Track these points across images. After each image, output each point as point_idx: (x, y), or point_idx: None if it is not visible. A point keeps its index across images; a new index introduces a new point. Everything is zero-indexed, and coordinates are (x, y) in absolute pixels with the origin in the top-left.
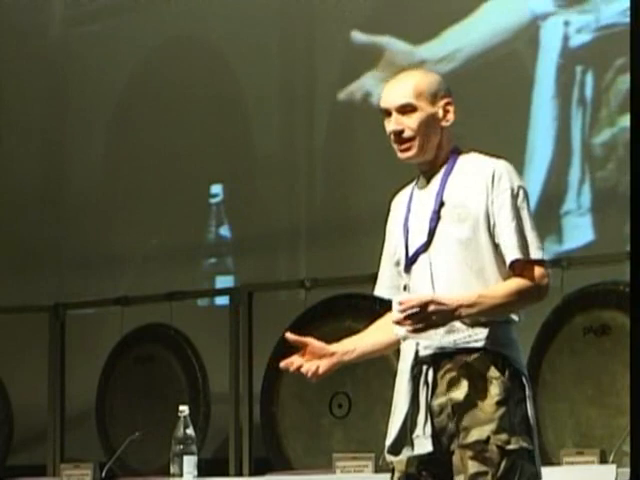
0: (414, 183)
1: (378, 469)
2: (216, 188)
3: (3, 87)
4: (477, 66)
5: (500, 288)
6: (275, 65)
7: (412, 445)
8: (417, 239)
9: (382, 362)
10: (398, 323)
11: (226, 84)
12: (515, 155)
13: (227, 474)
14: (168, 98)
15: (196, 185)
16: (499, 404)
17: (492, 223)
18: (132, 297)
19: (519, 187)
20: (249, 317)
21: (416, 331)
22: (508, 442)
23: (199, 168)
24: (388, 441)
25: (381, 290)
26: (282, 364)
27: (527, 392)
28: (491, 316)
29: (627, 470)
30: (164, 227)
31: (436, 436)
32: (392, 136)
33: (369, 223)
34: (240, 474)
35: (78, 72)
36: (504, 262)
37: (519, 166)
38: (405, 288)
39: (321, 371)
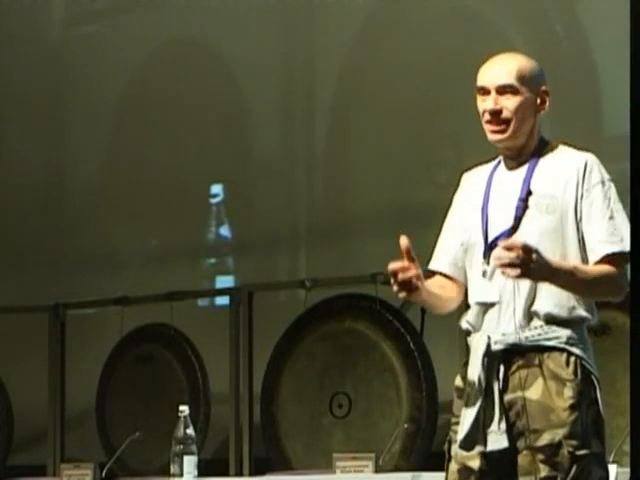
0: (493, 166)
1: (378, 469)
2: (216, 188)
3: (2, 88)
4: None
5: (593, 268)
6: (275, 66)
7: (485, 440)
8: (499, 225)
9: (382, 362)
10: (498, 261)
11: (226, 84)
12: None
13: (227, 474)
14: (168, 99)
15: (196, 185)
16: (572, 408)
17: (581, 216)
18: (132, 297)
19: (610, 180)
20: (249, 317)
21: (509, 272)
22: (579, 448)
23: (199, 168)
24: (460, 435)
25: (438, 264)
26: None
27: (598, 394)
28: (576, 291)
29: (627, 470)
30: (164, 227)
31: (506, 432)
32: (486, 115)
33: (369, 223)
34: (240, 474)
35: (78, 73)
36: (587, 257)
37: None
38: (484, 275)
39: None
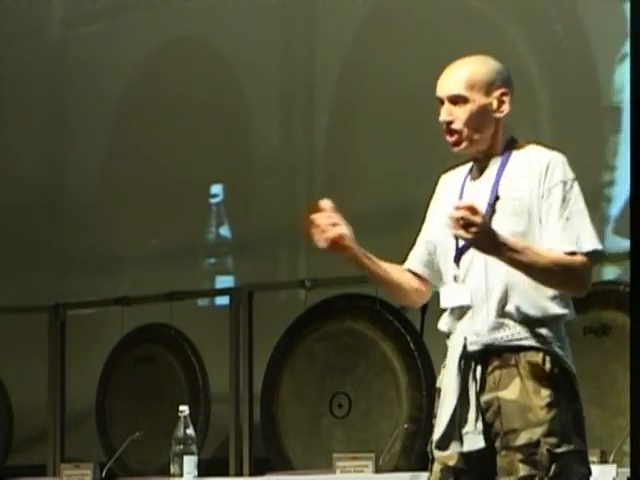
0: (467, 170)
1: (378, 469)
2: (216, 188)
3: (2, 88)
4: None
5: (549, 254)
6: (275, 65)
7: (461, 441)
8: None
9: (382, 362)
10: (451, 222)
11: (226, 84)
12: None
13: (227, 474)
14: (168, 98)
15: (196, 185)
16: (550, 406)
17: (540, 216)
18: (132, 297)
19: (573, 180)
20: (249, 317)
21: (456, 232)
22: (558, 445)
23: (199, 168)
24: (436, 435)
25: (409, 262)
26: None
27: (576, 391)
28: (526, 273)
29: (627, 470)
30: (164, 227)
31: (483, 432)
32: (443, 126)
33: (369, 223)
34: (240, 474)
35: (78, 73)
36: None
37: None
38: (455, 279)
39: (332, 236)
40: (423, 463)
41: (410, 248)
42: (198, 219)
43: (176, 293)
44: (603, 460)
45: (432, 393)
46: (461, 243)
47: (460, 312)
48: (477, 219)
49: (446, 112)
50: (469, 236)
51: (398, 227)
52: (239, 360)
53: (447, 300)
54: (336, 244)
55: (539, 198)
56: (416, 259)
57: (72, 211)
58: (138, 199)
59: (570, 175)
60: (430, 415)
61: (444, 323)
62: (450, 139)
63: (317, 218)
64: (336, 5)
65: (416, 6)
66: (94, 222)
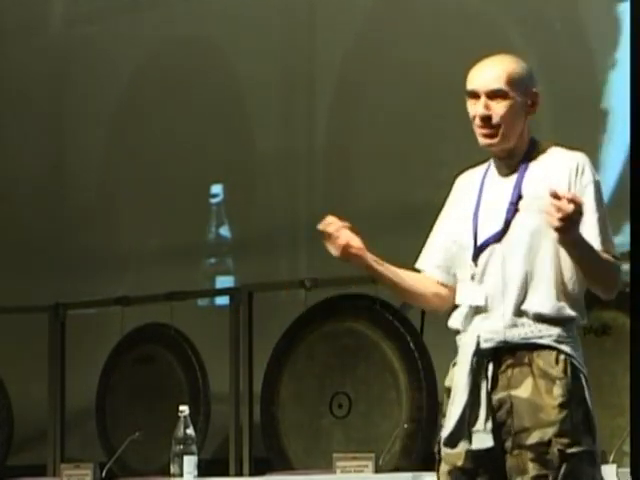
0: (485, 168)
1: (378, 469)
2: (216, 188)
3: (3, 87)
4: None
5: (600, 252)
6: (275, 65)
7: (470, 439)
8: (488, 229)
9: (382, 362)
10: (549, 214)
11: (226, 84)
12: None
13: (227, 474)
14: (168, 98)
15: (196, 185)
16: (562, 406)
17: None
18: (132, 297)
19: (599, 181)
20: (249, 317)
21: (561, 226)
22: (569, 445)
23: (199, 168)
24: (445, 432)
25: (423, 264)
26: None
27: (587, 392)
28: (589, 266)
29: (627, 470)
30: (164, 227)
31: (493, 431)
32: (477, 119)
33: (369, 223)
34: (240, 474)
35: (79, 72)
36: None
37: None
38: (472, 278)
39: (343, 242)
40: (423, 463)
41: (410, 248)
42: (198, 219)
43: (176, 293)
44: (603, 460)
45: (432, 393)
46: (479, 242)
47: (475, 310)
48: (574, 213)
49: (484, 106)
50: (559, 224)
51: (398, 227)
52: (239, 360)
53: (464, 299)
54: (347, 252)
55: None
56: (433, 264)
57: (72, 211)
58: (138, 199)
59: (597, 176)
60: (430, 415)
61: (456, 320)
62: (484, 131)
63: (326, 228)
64: (336, 4)
65: (416, 6)
66: (94, 222)
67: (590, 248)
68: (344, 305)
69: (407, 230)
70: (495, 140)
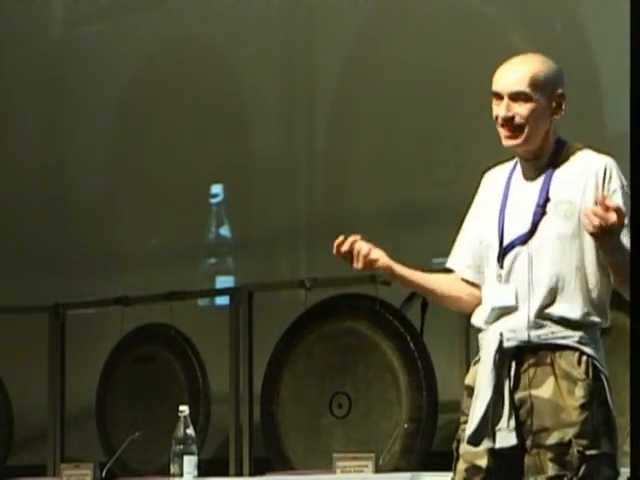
0: (511, 168)
1: (378, 469)
2: (216, 188)
3: (3, 87)
4: None
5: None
6: (275, 65)
7: (493, 437)
8: (514, 230)
9: (382, 362)
10: (588, 217)
11: (226, 84)
12: None
13: (227, 474)
14: (168, 99)
15: (196, 185)
16: (583, 407)
17: None
18: (132, 297)
19: (625, 186)
20: (249, 317)
21: (591, 228)
22: (589, 447)
23: (199, 168)
24: (468, 431)
25: (453, 263)
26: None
27: (608, 394)
28: (623, 267)
29: (627, 470)
30: (164, 227)
31: (515, 430)
32: (500, 120)
33: (369, 223)
34: (240, 474)
35: (78, 73)
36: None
37: None
38: (499, 278)
39: (365, 252)
40: (423, 463)
41: (410, 247)
42: (198, 219)
43: (176, 293)
44: None
45: (432, 393)
46: (505, 243)
47: (501, 310)
48: (614, 224)
49: (506, 107)
50: (595, 231)
51: (398, 227)
52: (239, 360)
53: (491, 300)
54: (372, 265)
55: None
56: (464, 264)
57: (72, 211)
58: (138, 199)
59: (624, 181)
60: (430, 415)
61: (480, 318)
62: (506, 132)
63: (339, 251)
64: (336, 6)
65: (416, 6)
66: (94, 222)
67: (627, 253)
68: (344, 305)
69: (407, 230)
70: (518, 141)
